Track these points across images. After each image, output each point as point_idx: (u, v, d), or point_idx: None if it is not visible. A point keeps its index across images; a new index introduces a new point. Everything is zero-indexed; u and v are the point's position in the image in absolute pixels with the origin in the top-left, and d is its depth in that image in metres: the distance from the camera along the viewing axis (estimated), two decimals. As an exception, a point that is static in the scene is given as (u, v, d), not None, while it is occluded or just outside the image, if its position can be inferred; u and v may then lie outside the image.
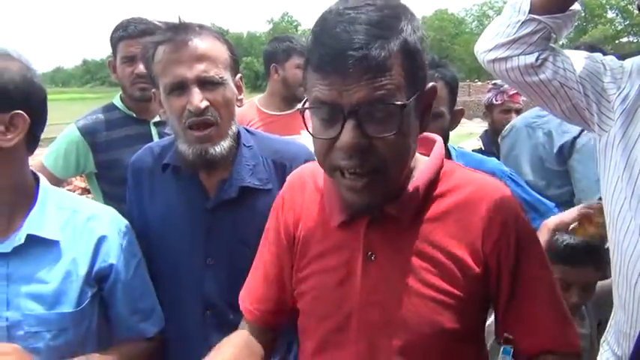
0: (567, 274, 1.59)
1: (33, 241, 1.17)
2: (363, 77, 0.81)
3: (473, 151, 2.91)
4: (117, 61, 2.22)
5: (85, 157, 2.20)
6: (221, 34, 1.38)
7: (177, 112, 1.29)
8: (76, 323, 1.21)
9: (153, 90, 1.38)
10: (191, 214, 1.39)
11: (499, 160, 2.34)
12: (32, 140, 1.19)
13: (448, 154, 1.78)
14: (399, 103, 0.84)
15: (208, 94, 1.28)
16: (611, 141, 1.23)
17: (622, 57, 1.30)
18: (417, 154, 1.00)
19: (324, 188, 1.05)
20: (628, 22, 55.27)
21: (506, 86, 3.03)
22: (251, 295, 1.15)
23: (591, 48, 2.10)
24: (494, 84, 3.25)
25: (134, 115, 2.25)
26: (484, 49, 1.31)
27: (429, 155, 1.03)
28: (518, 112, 3.11)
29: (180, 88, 1.28)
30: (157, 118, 2.24)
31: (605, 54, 1.38)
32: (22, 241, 1.16)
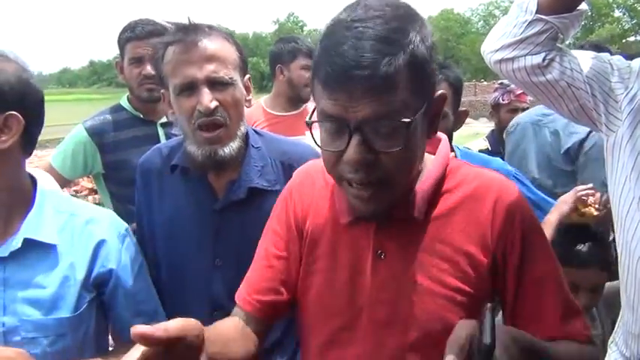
0: (573, 276, 1.58)
1: (30, 245, 1.15)
2: (369, 95, 0.81)
3: (480, 151, 2.90)
4: (124, 62, 2.23)
5: (92, 157, 2.21)
6: (230, 35, 1.38)
7: (187, 113, 1.30)
8: (74, 328, 1.18)
9: (162, 91, 1.39)
10: (199, 215, 1.39)
11: (504, 159, 2.33)
12: (28, 142, 1.17)
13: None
14: (405, 120, 0.84)
15: (218, 95, 1.28)
16: (619, 141, 1.23)
17: (629, 57, 1.30)
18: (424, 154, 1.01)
19: (334, 187, 1.05)
20: (635, 21, 55.00)
21: (512, 86, 3.02)
22: (251, 286, 1.10)
23: (596, 47, 2.10)
24: (501, 83, 3.24)
25: (141, 116, 2.26)
26: (490, 49, 1.31)
27: (434, 153, 1.03)
28: (524, 111, 3.10)
29: (190, 88, 1.28)
30: (163, 119, 2.26)
31: (611, 53, 1.37)
32: (19, 245, 1.14)
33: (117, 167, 2.18)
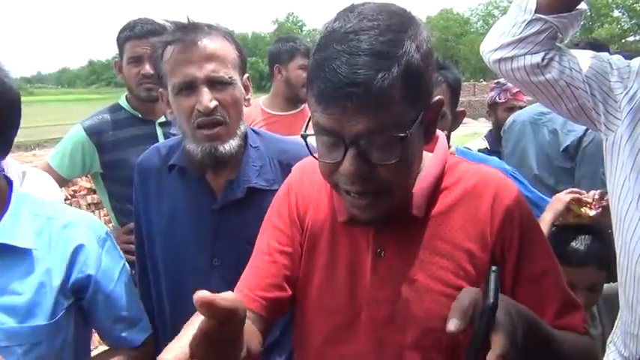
0: (570, 275, 1.58)
1: (5, 249, 1.11)
2: (364, 112, 0.81)
3: (479, 150, 2.91)
4: (123, 61, 2.22)
5: (90, 157, 2.21)
6: (229, 34, 1.38)
7: (186, 112, 1.29)
8: (51, 336, 1.14)
9: (160, 90, 1.39)
10: (198, 214, 1.39)
11: (501, 158, 2.33)
12: (2, 143, 1.12)
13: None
14: (401, 135, 0.83)
15: (217, 94, 1.28)
16: (618, 141, 1.23)
17: (629, 56, 1.30)
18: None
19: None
20: (634, 21, 55.01)
21: (509, 84, 3.02)
22: (254, 283, 1.06)
23: (592, 45, 2.09)
24: (497, 82, 3.24)
25: (140, 115, 2.26)
26: (490, 48, 1.31)
27: (432, 151, 1.03)
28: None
29: (189, 87, 1.28)
30: (162, 119, 2.25)
31: (610, 53, 1.37)
32: None
33: (115, 166, 2.18)
